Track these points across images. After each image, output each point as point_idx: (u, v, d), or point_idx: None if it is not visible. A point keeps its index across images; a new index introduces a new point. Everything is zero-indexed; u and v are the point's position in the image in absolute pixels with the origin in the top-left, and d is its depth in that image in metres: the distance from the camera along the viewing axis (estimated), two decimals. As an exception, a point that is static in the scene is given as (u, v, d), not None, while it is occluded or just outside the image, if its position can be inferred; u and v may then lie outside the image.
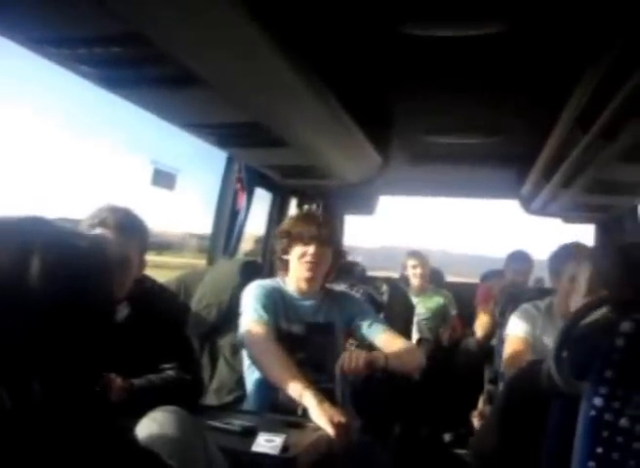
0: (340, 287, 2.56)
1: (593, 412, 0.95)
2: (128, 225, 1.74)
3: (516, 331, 2.43)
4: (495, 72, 2.27)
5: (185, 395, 1.72)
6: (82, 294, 0.80)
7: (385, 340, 2.20)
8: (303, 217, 2.32)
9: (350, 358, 1.97)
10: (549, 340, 2.34)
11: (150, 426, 1.29)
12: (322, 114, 2.29)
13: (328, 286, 2.33)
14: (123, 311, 1.74)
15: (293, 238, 2.17)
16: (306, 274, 2.15)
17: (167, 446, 1.21)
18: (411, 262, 4.14)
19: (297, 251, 2.16)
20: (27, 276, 0.75)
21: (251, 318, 2.07)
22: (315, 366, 2.11)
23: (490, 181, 3.89)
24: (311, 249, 2.13)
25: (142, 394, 1.62)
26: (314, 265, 2.15)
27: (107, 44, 1.47)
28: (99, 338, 0.84)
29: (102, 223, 1.70)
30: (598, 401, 0.95)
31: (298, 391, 1.83)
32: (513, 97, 2.54)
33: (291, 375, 1.90)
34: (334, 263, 2.23)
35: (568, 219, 4.04)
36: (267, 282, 2.23)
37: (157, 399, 1.45)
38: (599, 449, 0.93)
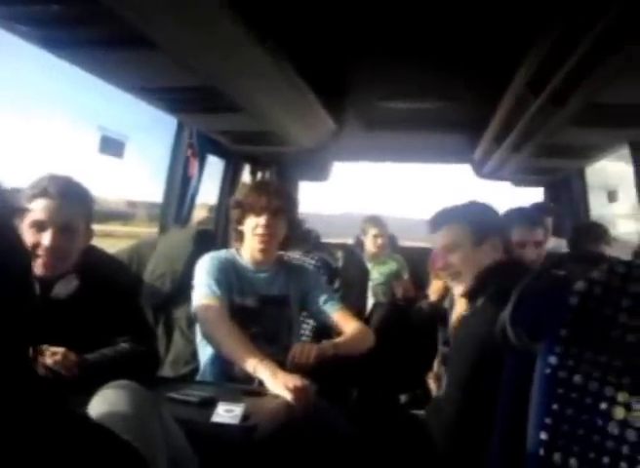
0: (295, 254, 2.55)
1: (548, 370, 0.97)
2: (70, 193, 1.67)
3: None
4: (446, 37, 2.26)
5: (141, 367, 1.69)
6: None
7: (338, 319, 2.21)
8: (256, 187, 2.26)
9: (302, 352, 1.97)
10: None
11: (102, 402, 1.26)
12: (276, 79, 2.25)
13: (284, 256, 2.31)
14: (71, 283, 1.69)
15: (245, 209, 2.13)
16: (259, 246, 2.13)
17: (120, 421, 1.19)
18: (372, 231, 4.15)
19: (249, 222, 2.13)
20: None
21: (203, 293, 2.04)
22: (269, 339, 2.10)
23: (443, 146, 3.92)
24: (263, 220, 2.10)
25: (97, 369, 1.58)
26: (267, 237, 2.11)
27: (46, 1, 1.39)
28: (15, 309, 0.77)
29: (43, 192, 1.63)
30: (553, 359, 0.97)
31: (251, 365, 1.83)
32: (465, 63, 2.54)
33: (244, 350, 1.90)
34: (288, 233, 2.20)
35: (518, 183, 4.12)
36: (221, 253, 2.19)
37: (112, 373, 1.42)
38: (555, 406, 0.95)
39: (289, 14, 2.03)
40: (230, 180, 3.45)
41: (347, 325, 2.20)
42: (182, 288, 2.29)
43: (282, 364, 1.92)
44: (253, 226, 2.12)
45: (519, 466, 1.00)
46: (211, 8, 1.60)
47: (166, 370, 2.18)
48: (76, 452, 0.75)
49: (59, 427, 0.76)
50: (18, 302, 0.77)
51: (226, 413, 1.44)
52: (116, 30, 1.62)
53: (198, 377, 2.09)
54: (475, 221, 1.84)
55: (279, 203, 2.10)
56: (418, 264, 4.24)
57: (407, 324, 3.72)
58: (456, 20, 2.07)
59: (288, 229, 2.18)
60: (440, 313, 3.08)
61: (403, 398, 3.66)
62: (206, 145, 3.07)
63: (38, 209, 1.62)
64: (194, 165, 3.03)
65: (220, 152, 3.29)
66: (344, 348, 2.09)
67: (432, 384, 2.80)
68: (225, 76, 2.11)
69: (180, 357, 2.18)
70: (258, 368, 1.82)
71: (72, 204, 1.67)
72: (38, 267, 1.63)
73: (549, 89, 2.02)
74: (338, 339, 2.13)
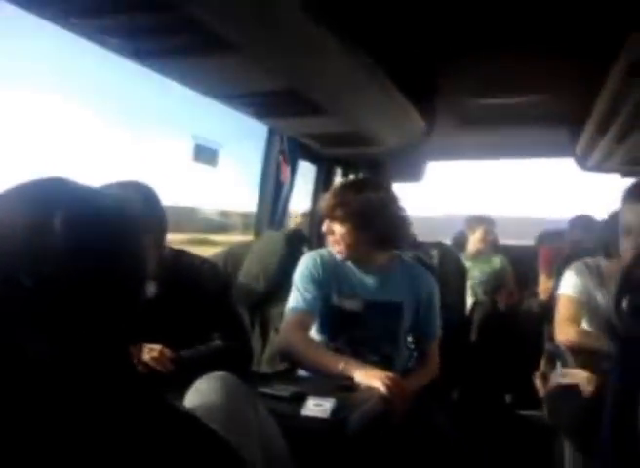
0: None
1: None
2: (138, 198, 1.71)
3: (567, 290, 2.35)
4: (538, 26, 2.17)
5: (234, 362, 1.72)
6: (109, 258, 0.78)
7: (429, 350, 2.15)
8: (331, 191, 2.16)
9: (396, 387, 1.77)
10: (601, 300, 2.25)
11: (197, 393, 1.29)
12: (361, 78, 2.23)
13: (401, 256, 2.20)
14: (150, 289, 1.74)
15: (322, 216, 2.10)
16: (334, 248, 2.07)
17: (213, 411, 1.21)
18: (482, 228, 4.12)
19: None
20: (50, 238, 0.73)
21: (290, 305, 2.03)
22: (371, 346, 2.04)
23: (542, 141, 3.76)
24: (328, 225, 2.04)
25: (191, 364, 1.64)
26: (335, 242, 2.04)
27: (133, 13, 1.45)
28: (127, 306, 0.82)
29: None
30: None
31: (339, 366, 1.80)
32: (560, 51, 2.42)
33: (327, 356, 1.88)
34: (379, 233, 2.03)
35: (626, 174, 3.87)
36: (325, 251, 2.12)
37: (206, 368, 1.45)
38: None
39: (373, 12, 2.02)
40: (323, 184, 3.48)
41: (431, 359, 2.14)
42: (276, 287, 2.32)
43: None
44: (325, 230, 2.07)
45: (632, 453, 0.92)
46: (292, 10, 1.61)
47: (263, 368, 2.22)
48: (177, 449, 0.76)
49: (161, 423, 0.78)
50: (125, 303, 0.82)
51: (316, 407, 1.44)
52: (200, 37, 1.66)
53: (299, 372, 2.08)
54: None
55: (342, 210, 2.01)
56: (521, 263, 4.10)
57: (511, 322, 3.60)
58: (547, 7, 1.98)
59: (366, 235, 2.02)
60: (547, 311, 2.95)
61: (508, 398, 3.54)
62: (296, 150, 3.11)
63: None
64: (286, 170, 3.08)
65: (310, 157, 3.33)
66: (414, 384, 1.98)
67: (539, 384, 2.67)
68: (310, 78, 2.13)
69: (276, 354, 2.21)
70: (346, 366, 1.79)
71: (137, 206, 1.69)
72: None
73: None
74: (415, 375, 2.05)
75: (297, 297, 2.03)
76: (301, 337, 1.97)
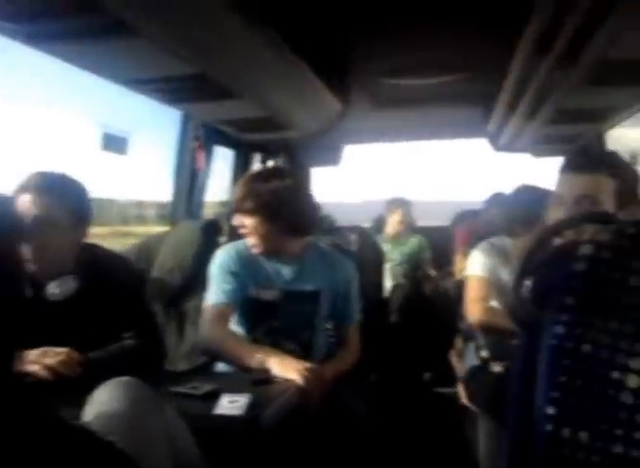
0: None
1: (555, 341, 0.90)
2: (53, 188, 1.64)
3: (474, 270, 2.38)
4: (447, 6, 2.17)
5: (147, 362, 1.66)
6: None
7: (348, 335, 2.15)
8: (239, 184, 2.10)
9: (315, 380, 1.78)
10: (506, 278, 2.30)
11: (97, 401, 1.23)
12: (274, 61, 2.18)
13: (317, 244, 2.19)
14: (68, 283, 1.67)
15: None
16: (248, 242, 2.04)
17: (114, 421, 1.15)
18: (400, 210, 4.17)
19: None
20: None
21: (209, 300, 2.00)
22: (288, 335, 2.03)
23: (455, 121, 3.82)
24: (238, 218, 2.02)
25: (101, 366, 1.56)
26: (248, 235, 2.02)
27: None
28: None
29: (24, 187, 1.61)
30: (559, 329, 0.90)
31: (258, 358, 1.78)
32: (469, 31, 2.44)
33: (246, 348, 1.86)
34: (279, 227, 2.01)
35: (536, 153, 3.99)
36: (240, 244, 2.09)
37: (117, 369, 1.39)
38: (562, 378, 0.89)
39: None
40: (241, 171, 3.41)
41: (350, 344, 2.14)
42: (192, 281, 2.26)
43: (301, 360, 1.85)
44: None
45: (529, 442, 0.93)
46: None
47: (180, 364, 2.15)
48: (50, 457, 0.72)
49: (47, 439, 0.73)
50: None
51: (230, 404, 1.40)
52: (103, 20, 1.57)
53: (218, 366, 2.04)
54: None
55: (251, 203, 1.98)
56: (438, 244, 4.18)
57: (429, 303, 3.67)
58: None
59: (288, 218, 2.00)
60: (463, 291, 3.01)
61: (426, 376, 3.62)
62: (213, 136, 3.03)
63: (19, 204, 1.59)
64: (202, 158, 2.99)
65: (227, 142, 3.25)
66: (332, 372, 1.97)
67: (455, 361, 2.74)
68: (221, 62, 2.06)
69: (192, 349, 2.16)
70: (264, 358, 1.77)
71: (51, 197, 1.63)
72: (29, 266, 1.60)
73: (558, 48, 1.92)
74: (335, 362, 2.04)
75: (215, 291, 2.00)
76: (221, 330, 1.95)
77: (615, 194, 1.64)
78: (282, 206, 1.97)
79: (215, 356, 2.01)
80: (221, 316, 1.97)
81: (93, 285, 1.69)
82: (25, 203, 1.60)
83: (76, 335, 1.60)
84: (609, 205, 1.63)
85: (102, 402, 1.22)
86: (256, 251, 2.03)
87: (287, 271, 2.07)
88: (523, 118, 2.99)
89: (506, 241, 2.38)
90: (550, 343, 0.91)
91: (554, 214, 1.70)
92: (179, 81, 2.15)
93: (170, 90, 2.27)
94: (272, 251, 2.05)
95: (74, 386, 1.44)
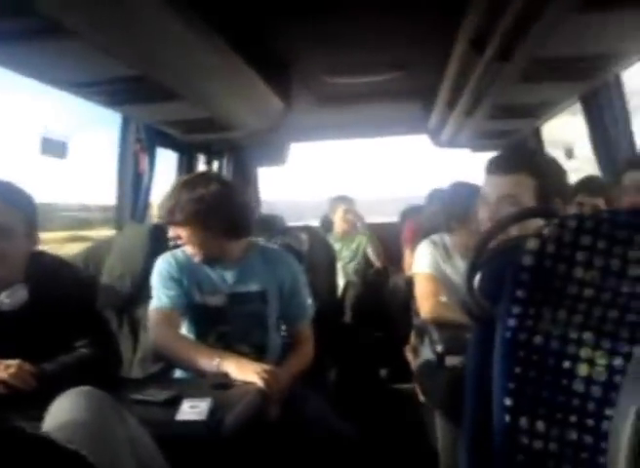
0: (259, 241, 2.49)
1: (508, 334, 0.94)
2: (7, 195, 1.62)
3: (420, 267, 2.43)
4: (387, 5, 2.20)
5: (102, 370, 1.64)
6: None
7: (300, 332, 2.14)
8: (165, 196, 2.05)
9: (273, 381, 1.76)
10: (451, 273, 2.37)
11: (57, 411, 1.20)
12: (214, 61, 2.17)
13: (258, 243, 2.19)
14: (18, 293, 1.63)
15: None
16: (188, 251, 2.01)
17: (76, 430, 1.13)
18: (341, 208, 4.20)
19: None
20: None
21: (152, 305, 1.98)
22: (240, 338, 2.01)
23: (397, 118, 3.88)
24: (173, 230, 2.00)
25: (55, 377, 1.53)
26: (187, 244, 2.00)
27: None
28: None
29: None
30: (512, 322, 0.94)
31: (213, 362, 1.77)
32: (407, 28, 2.49)
33: (200, 353, 1.84)
34: (213, 233, 1.98)
35: (476, 149, 4.10)
36: (179, 252, 2.07)
37: (72, 379, 1.37)
38: (517, 370, 0.92)
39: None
40: (185, 172, 3.37)
41: (304, 343, 2.13)
42: (143, 286, 2.21)
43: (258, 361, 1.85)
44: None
45: (487, 434, 0.97)
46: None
47: (135, 371, 2.12)
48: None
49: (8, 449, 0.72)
50: None
51: (192, 410, 1.39)
52: (38, 22, 1.52)
53: (174, 373, 2.01)
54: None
55: (179, 214, 1.95)
56: (387, 240, 4.23)
57: (381, 300, 3.72)
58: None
59: (219, 224, 1.98)
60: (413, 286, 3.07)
61: (383, 372, 3.67)
62: (155, 138, 2.99)
63: None
64: (144, 160, 2.95)
65: (170, 144, 3.21)
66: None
67: (410, 357, 2.79)
68: (161, 63, 2.03)
69: (147, 356, 2.12)
70: (220, 362, 1.77)
71: (7, 206, 1.61)
72: None
73: (493, 45, 1.98)
74: (290, 362, 2.03)
75: (158, 296, 1.98)
76: (172, 335, 1.93)
77: (535, 193, 1.70)
78: (210, 213, 1.94)
79: (169, 361, 1.97)
80: (168, 319, 1.95)
81: (42, 293, 1.65)
82: None
83: (27, 346, 1.56)
84: (530, 204, 1.69)
85: (63, 412, 1.19)
86: (196, 259, 2.02)
87: (230, 274, 2.06)
88: (462, 114, 3.07)
89: (446, 237, 2.45)
90: (504, 336, 0.94)
91: (481, 214, 1.76)
92: (117, 83, 2.11)
93: (109, 92, 2.22)
94: (212, 256, 2.03)
95: (29, 399, 1.41)
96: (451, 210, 2.44)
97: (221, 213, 1.96)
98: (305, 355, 2.11)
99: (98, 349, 1.69)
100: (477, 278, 1.06)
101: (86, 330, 1.71)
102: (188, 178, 2.08)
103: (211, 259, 2.03)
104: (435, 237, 2.47)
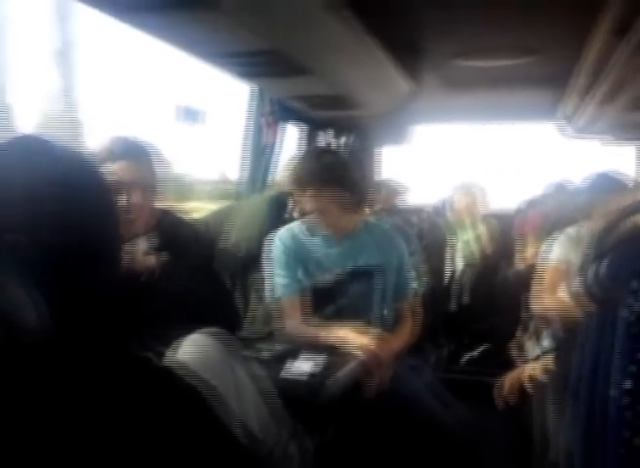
0: (370, 218, 2.51)
1: (632, 317, 0.91)
2: (145, 153, 1.74)
3: (550, 259, 2.37)
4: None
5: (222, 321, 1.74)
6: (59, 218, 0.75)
7: (404, 308, 2.17)
8: (299, 162, 2.15)
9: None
10: (579, 266, 2.27)
11: (186, 347, 1.30)
12: (346, 38, 2.19)
13: (370, 220, 2.23)
14: (151, 240, 1.76)
15: (293, 189, 2.10)
16: (314, 224, 2.06)
17: (206, 363, 1.22)
18: (465, 193, 4.15)
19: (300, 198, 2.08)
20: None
21: (271, 292, 2.07)
22: (354, 313, 2.05)
23: (526, 104, 3.74)
24: (303, 195, 2.04)
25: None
26: (311, 213, 2.04)
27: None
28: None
29: (115, 154, 1.69)
30: (638, 305, 0.91)
31: (323, 333, 1.85)
32: (546, 13, 2.38)
33: (314, 329, 1.91)
34: (355, 199, 2.06)
35: (607, 142, 3.87)
36: (293, 228, 2.13)
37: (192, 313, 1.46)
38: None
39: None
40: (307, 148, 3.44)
41: (407, 320, 2.16)
42: (257, 254, 2.31)
43: None
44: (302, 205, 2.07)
45: (604, 417, 0.95)
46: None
47: (244, 333, 2.22)
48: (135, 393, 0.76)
49: (115, 368, 0.77)
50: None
51: (297, 369, 1.45)
52: None
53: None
54: None
55: (318, 177, 2.01)
56: (506, 229, 4.11)
57: (489, 290, 3.64)
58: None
59: (352, 196, 2.05)
60: (527, 279, 2.98)
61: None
62: (282, 113, 3.06)
63: (114, 171, 1.68)
64: (270, 133, 3.04)
65: (296, 119, 3.28)
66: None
67: (515, 352, 2.72)
68: (294, 39, 2.09)
69: (257, 318, 2.22)
70: (329, 332, 1.82)
71: (145, 163, 1.73)
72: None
73: (637, 31, 1.86)
74: (393, 338, 2.06)
75: (276, 285, 2.07)
76: (296, 323, 2.01)
77: None
78: (337, 183, 2.00)
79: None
80: (291, 308, 2.03)
81: (164, 246, 1.77)
82: (121, 170, 1.68)
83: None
84: None
85: (191, 348, 1.28)
86: (318, 228, 2.06)
87: (343, 249, 2.10)
88: (597, 104, 2.91)
89: (582, 229, 2.35)
90: (629, 319, 0.92)
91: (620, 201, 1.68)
92: (253, 56, 2.19)
93: (245, 64, 2.31)
94: (332, 228, 2.07)
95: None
96: (586, 200, 2.36)
97: (347, 184, 2.02)
98: (405, 333, 2.13)
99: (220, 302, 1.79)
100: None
101: (208, 287, 1.82)
102: (316, 149, 2.13)
103: (332, 229, 2.08)
104: (570, 230, 2.39)
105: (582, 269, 1.07)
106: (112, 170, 1.67)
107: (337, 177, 2.01)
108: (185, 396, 0.84)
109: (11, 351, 0.67)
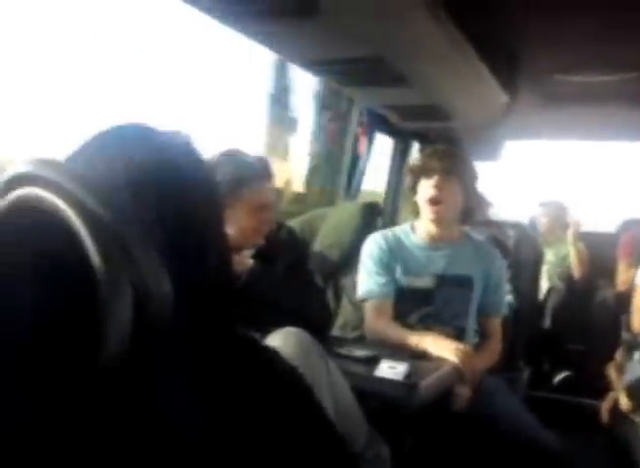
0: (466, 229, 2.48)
1: None
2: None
3: None
4: (627, 3, 2.05)
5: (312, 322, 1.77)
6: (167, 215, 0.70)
7: (492, 327, 2.12)
8: (428, 151, 2.17)
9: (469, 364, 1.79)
10: None
11: (272, 344, 1.32)
12: (445, 48, 2.19)
13: (467, 232, 2.20)
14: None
15: (416, 172, 2.08)
16: (432, 214, 2.01)
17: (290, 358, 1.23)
18: (553, 212, 4.06)
19: (422, 186, 2.04)
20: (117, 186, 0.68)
21: (365, 293, 2.06)
22: (443, 320, 2.04)
23: (627, 123, 3.58)
24: (433, 181, 1.99)
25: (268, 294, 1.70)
26: (439, 201, 2.00)
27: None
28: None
29: (267, 176, 1.78)
30: None
31: (414, 341, 1.83)
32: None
33: (404, 335, 1.89)
34: (468, 203, 2.06)
35: None
36: (389, 232, 2.14)
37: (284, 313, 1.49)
38: None
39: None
40: (399, 158, 3.44)
41: (494, 339, 2.11)
42: (350, 258, 2.33)
43: None
44: (424, 191, 2.03)
45: None
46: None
47: (335, 333, 2.24)
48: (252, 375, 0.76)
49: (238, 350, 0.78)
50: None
51: (390, 370, 1.45)
52: (287, 2, 1.67)
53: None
54: None
55: (451, 164, 2.01)
56: (599, 251, 3.95)
57: (586, 312, 3.50)
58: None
59: (466, 199, 2.06)
60: (625, 300, 2.85)
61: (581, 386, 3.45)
62: (374, 122, 3.09)
63: (265, 191, 1.77)
64: (364, 142, 3.07)
65: (388, 129, 3.29)
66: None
67: (613, 374, 2.59)
68: (393, 46, 2.10)
69: (348, 322, 2.24)
70: (420, 340, 1.81)
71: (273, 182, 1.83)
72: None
73: None
74: (482, 354, 2.02)
75: (370, 284, 2.05)
76: (383, 325, 2.00)
77: None
78: (473, 183, 2.06)
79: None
80: (381, 310, 2.02)
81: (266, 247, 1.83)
82: (271, 190, 1.80)
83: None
84: None
85: (278, 346, 1.31)
86: (436, 227, 2.07)
87: (441, 257, 2.08)
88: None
89: None
90: None
91: None
92: (351, 63, 2.22)
93: (341, 72, 2.34)
94: (437, 230, 2.07)
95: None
96: None
97: (468, 192, 2.05)
98: (494, 351, 2.09)
99: (313, 302, 1.82)
100: None
101: (301, 286, 1.86)
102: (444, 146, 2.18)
103: (429, 238, 2.09)
104: None
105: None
106: (268, 188, 1.78)
107: (466, 171, 2.06)
108: (292, 379, 0.84)
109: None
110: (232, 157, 1.75)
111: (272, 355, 0.86)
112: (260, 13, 1.77)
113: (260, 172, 1.75)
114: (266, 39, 2.03)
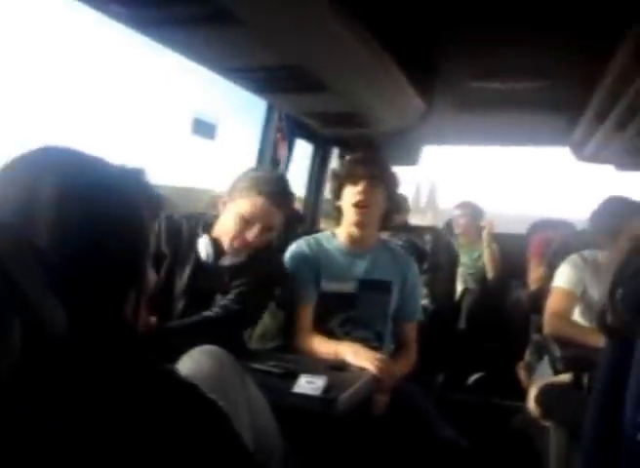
0: (383, 235, 2.52)
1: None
2: (281, 195, 1.85)
3: (560, 282, 2.35)
4: (542, 10, 2.14)
5: (231, 325, 1.78)
6: (93, 235, 0.74)
7: (408, 332, 2.17)
8: (354, 158, 2.21)
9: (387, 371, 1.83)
10: (595, 293, 2.26)
11: (187, 364, 1.29)
12: (363, 56, 2.21)
13: (384, 238, 2.26)
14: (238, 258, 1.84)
15: (342, 178, 2.10)
16: (356, 218, 2.05)
17: (203, 383, 1.21)
18: (467, 215, 4.17)
19: (347, 193, 2.07)
20: (37, 210, 0.70)
21: (307, 304, 2.08)
22: (362, 324, 2.09)
23: (539, 128, 3.74)
24: (360, 187, 2.03)
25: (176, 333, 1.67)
26: (365, 206, 2.04)
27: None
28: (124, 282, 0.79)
29: (258, 191, 1.79)
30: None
31: (332, 349, 1.86)
32: (562, 38, 2.40)
33: (322, 343, 1.94)
34: (389, 209, 2.12)
35: (621, 167, 3.87)
36: (311, 238, 2.16)
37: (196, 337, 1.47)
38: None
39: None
40: (319, 164, 3.46)
41: (411, 345, 2.17)
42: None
43: (374, 349, 1.92)
44: (350, 196, 2.06)
45: (613, 453, 0.93)
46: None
47: (254, 344, 2.22)
48: (164, 406, 0.75)
49: (143, 380, 0.76)
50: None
51: (308, 385, 1.45)
52: (204, 8, 1.64)
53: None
54: None
55: (377, 171, 2.05)
56: (511, 252, 4.11)
57: (499, 312, 3.63)
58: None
59: (389, 204, 2.11)
60: (536, 301, 2.97)
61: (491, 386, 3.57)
62: (294, 129, 3.08)
63: (250, 205, 1.78)
64: (283, 148, 3.06)
65: (308, 136, 3.30)
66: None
67: (522, 374, 2.70)
68: (311, 54, 2.10)
69: (267, 332, 2.22)
70: (338, 349, 1.83)
71: (281, 206, 1.82)
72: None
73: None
74: (399, 361, 2.07)
75: (301, 295, 2.08)
76: (303, 337, 2.03)
77: None
78: (393, 187, 2.10)
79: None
80: (303, 318, 2.06)
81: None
82: (258, 207, 1.77)
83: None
84: None
85: (186, 367, 1.28)
86: (359, 232, 2.10)
87: (362, 262, 2.12)
88: (611, 129, 2.92)
89: (599, 254, 2.35)
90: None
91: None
92: (270, 71, 2.21)
93: (261, 79, 2.33)
94: (362, 241, 2.10)
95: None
96: (601, 225, 2.36)
97: (391, 197, 2.12)
98: (410, 358, 2.15)
99: (235, 304, 1.81)
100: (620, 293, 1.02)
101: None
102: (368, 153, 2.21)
103: (347, 245, 2.13)
104: (586, 253, 2.38)
105: (600, 299, 1.07)
106: (252, 201, 1.77)
107: (389, 178, 2.09)
108: (206, 408, 0.83)
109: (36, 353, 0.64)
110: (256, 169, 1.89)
111: (190, 387, 0.85)
112: (176, 20, 1.73)
113: (257, 187, 1.77)
114: (183, 47, 1.98)
